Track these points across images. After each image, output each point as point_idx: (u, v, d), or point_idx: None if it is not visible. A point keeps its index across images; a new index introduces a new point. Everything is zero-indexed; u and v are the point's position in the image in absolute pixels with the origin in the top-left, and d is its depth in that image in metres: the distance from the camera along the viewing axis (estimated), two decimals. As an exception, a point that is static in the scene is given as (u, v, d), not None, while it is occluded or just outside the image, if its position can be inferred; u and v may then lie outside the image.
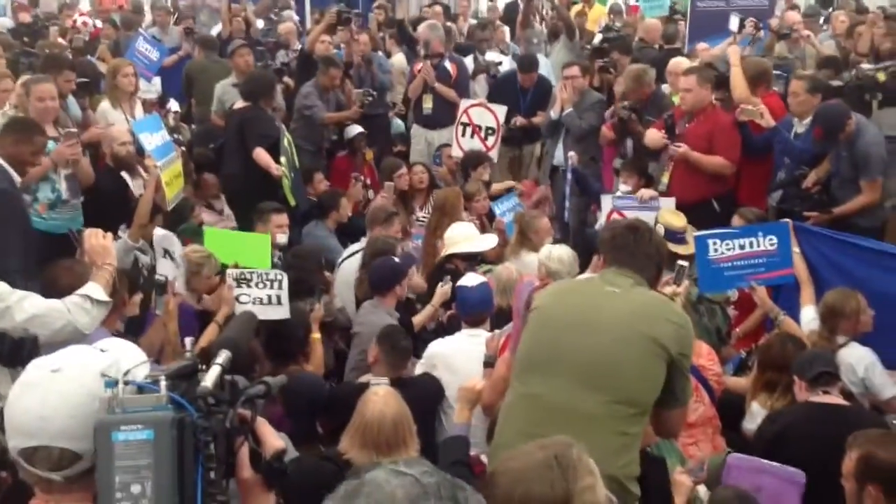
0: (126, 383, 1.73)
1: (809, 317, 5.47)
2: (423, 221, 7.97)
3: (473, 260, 6.58)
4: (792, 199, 6.99)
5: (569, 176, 8.32)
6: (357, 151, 9.14)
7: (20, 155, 5.73)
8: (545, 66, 10.27)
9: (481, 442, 4.31)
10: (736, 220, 6.26)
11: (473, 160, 8.60)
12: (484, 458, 4.00)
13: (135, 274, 5.45)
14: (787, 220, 6.05)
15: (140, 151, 6.75)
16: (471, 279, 5.52)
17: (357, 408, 3.93)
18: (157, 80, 10.13)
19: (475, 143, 9.10)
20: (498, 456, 3.16)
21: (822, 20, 12.39)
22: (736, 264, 5.68)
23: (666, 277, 4.79)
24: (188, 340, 2.02)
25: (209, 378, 1.73)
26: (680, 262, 5.30)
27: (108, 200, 6.52)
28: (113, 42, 12.00)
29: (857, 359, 5.12)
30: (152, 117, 7.55)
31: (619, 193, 7.42)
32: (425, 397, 4.94)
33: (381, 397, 3.93)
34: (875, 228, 6.63)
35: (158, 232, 6.03)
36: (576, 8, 13.18)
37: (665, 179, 7.40)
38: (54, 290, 4.10)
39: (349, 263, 6.74)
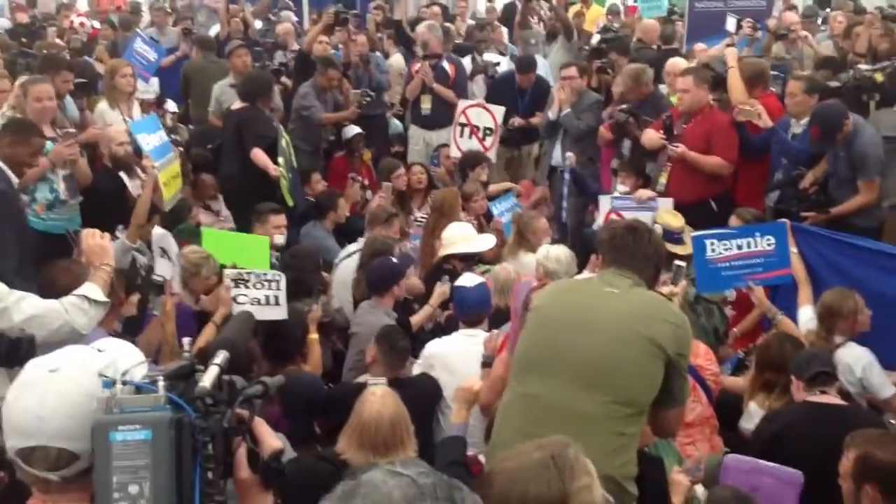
0: (124, 383, 1.73)
1: (807, 317, 5.48)
2: (421, 222, 7.96)
3: (471, 260, 6.58)
4: (789, 199, 6.99)
5: (566, 176, 8.32)
6: (355, 152, 9.13)
7: (17, 156, 5.73)
8: (543, 67, 10.27)
9: (479, 442, 4.31)
10: (733, 221, 6.27)
11: (471, 160, 8.60)
12: (482, 458, 4.00)
13: (132, 274, 5.45)
14: (785, 220, 6.05)
15: (138, 152, 6.74)
16: (468, 279, 5.52)
17: (355, 408, 3.94)
18: (154, 81, 10.11)
19: (473, 144, 9.10)
20: (495, 456, 3.16)
21: (819, 20, 12.39)
22: (733, 264, 5.68)
23: (663, 277, 4.79)
24: (186, 341, 2.02)
25: (207, 378, 1.73)
26: (677, 262, 5.31)
27: (105, 201, 6.51)
28: (111, 43, 12.02)
29: (854, 359, 5.12)
30: (150, 118, 7.54)
31: (616, 194, 7.42)
32: (423, 397, 4.94)
33: (378, 397, 3.93)
34: (872, 228, 6.63)
35: (157, 231, 6.03)
36: (574, 9, 13.20)
37: (663, 180, 7.41)
38: (52, 290, 4.10)
39: (346, 264, 6.74)
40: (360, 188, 8.45)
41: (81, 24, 13.44)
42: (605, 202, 7.37)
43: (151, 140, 6.70)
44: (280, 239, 6.49)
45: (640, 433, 3.45)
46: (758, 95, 7.41)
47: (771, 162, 7.34)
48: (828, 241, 5.92)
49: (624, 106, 7.97)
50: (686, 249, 5.89)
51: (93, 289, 3.95)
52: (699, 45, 9.55)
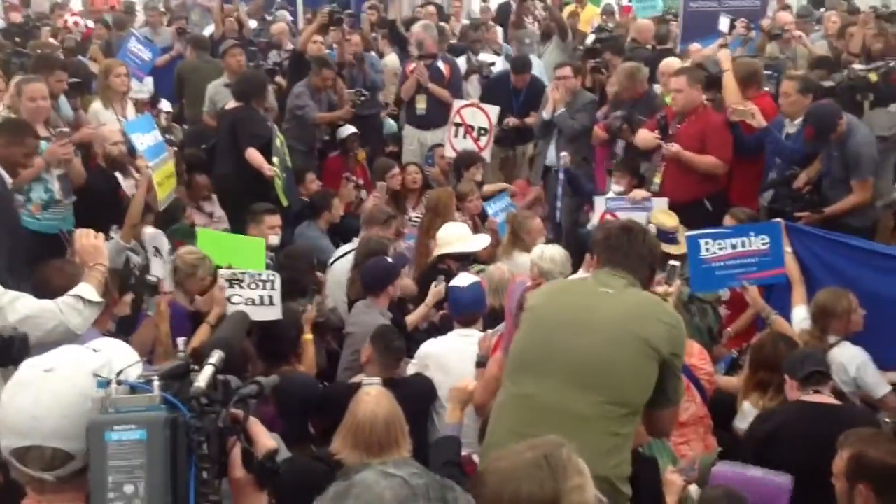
0: (119, 383, 1.74)
1: (801, 316, 5.49)
2: (415, 222, 7.96)
3: (466, 260, 6.58)
4: (783, 198, 7.00)
5: (561, 176, 8.33)
6: (349, 152, 9.12)
7: (12, 157, 5.72)
8: (538, 67, 10.27)
9: (473, 442, 4.31)
10: (728, 220, 6.28)
11: (466, 160, 8.60)
12: (476, 458, 4.00)
13: (126, 274, 5.44)
14: (779, 219, 6.07)
15: (132, 152, 6.73)
16: (463, 279, 5.53)
17: (349, 408, 3.94)
18: (148, 81, 10.09)
19: (468, 144, 9.12)
20: (489, 455, 3.17)
21: (814, 20, 12.41)
22: (728, 264, 5.69)
23: (658, 277, 4.80)
24: (180, 341, 2.02)
25: (202, 378, 1.74)
26: (672, 261, 5.31)
27: (99, 200, 6.50)
28: (105, 42, 11.98)
29: (848, 358, 5.13)
30: (144, 117, 7.54)
31: (611, 194, 7.43)
32: (417, 397, 4.95)
33: (373, 397, 3.93)
34: (866, 228, 6.66)
35: (148, 231, 6.01)
36: (568, 8, 13.22)
37: (657, 180, 7.42)
38: (46, 290, 4.10)
39: (341, 264, 6.74)
40: (355, 188, 8.44)
41: (75, 24, 13.40)
42: (600, 203, 7.37)
43: (145, 140, 6.69)
44: (275, 239, 6.48)
45: (635, 433, 3.46)
46: (751, 95, 7.43)
47: (765, 162, 7.36)
48: (822, 240, 5.94)
49: (618, 113, 7.99)
50: (680, 249, 5.90)
51: (87, 289, 3.95)
52: (694, 45, 9.55)
